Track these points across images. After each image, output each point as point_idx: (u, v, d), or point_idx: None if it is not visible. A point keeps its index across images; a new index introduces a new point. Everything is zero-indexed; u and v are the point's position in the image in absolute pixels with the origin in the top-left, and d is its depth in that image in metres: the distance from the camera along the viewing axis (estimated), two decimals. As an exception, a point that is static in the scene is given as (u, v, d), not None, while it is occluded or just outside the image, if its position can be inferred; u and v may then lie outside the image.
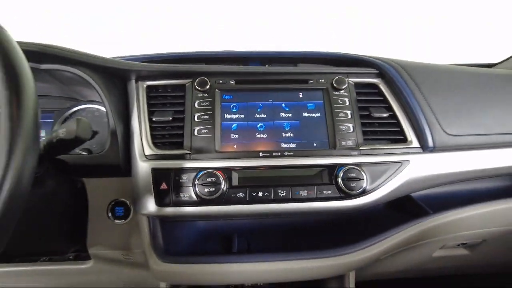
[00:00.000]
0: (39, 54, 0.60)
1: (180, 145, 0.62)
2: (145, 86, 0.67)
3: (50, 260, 0.75)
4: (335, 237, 0.68)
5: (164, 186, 0.59)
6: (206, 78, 0.66)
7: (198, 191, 0.58)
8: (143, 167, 0.60)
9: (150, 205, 0.59)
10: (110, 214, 0.66)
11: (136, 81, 0.67)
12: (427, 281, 1.10)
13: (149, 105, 0.65)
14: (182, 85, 0.67)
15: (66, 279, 0.80)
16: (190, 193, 0.59)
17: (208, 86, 0.65)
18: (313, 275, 0.66)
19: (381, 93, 0.69)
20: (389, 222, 0.70)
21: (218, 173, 0.59)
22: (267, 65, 0.79)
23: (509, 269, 1.00)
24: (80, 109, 0.78)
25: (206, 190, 0.58)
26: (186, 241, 0.71)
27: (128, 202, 0.65)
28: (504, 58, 1.11)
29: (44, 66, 0.62)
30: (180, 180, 0.59)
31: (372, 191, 0.61)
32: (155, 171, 0.59)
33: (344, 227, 0.73)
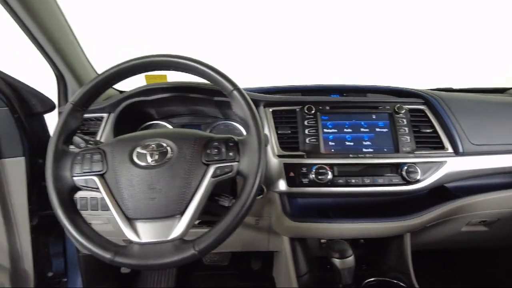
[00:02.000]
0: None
1: (297, 149, 0.97)
2: (271, 110, 1.02)
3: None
4: (396, 212, 1.01)
5: (291, 174, 0.94)
6: (312, 106, 1.01)
7: (314, 177, 0.93)
8: (276, 162, 0.95)
9: (283, 186, 0.94)
10: (249, 192, 1.01)
11: (264, 107, 1.03)
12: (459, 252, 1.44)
13: (275, 123, 1.01)
14: (294, 110, 1.02)
15: None
16: (309, 178, 0.94)
17: (313, 111, 1.00)
18: (381, 233, 1.00)
19: (426, 116, 1.03)
20: (431, 203, 1.03)
21: (326, 167, 0.94)
22: (344, 94, 1.14)
23: None
24: (219, 123, 1.14)
25: (319, 177, 0.93)
26: (297, 211, 1.06)
27: (262, 185, 1.01)
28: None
29: (216, 98, 0.99)
30: (302, 171, 0.94)
31: (423, 180, 0.95)
32: (285, 165, 0.95)
33: (402, 207, 1.05)
